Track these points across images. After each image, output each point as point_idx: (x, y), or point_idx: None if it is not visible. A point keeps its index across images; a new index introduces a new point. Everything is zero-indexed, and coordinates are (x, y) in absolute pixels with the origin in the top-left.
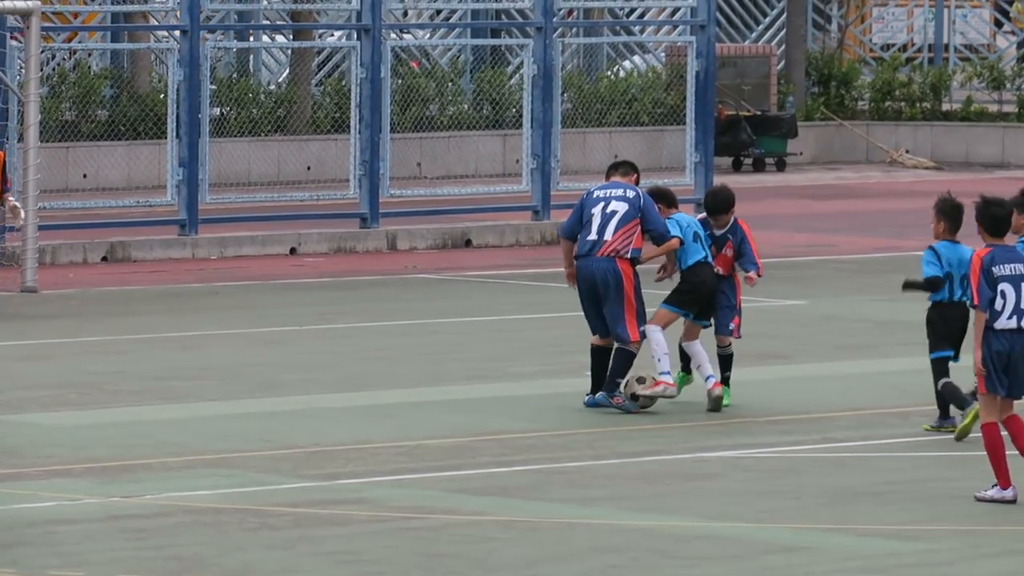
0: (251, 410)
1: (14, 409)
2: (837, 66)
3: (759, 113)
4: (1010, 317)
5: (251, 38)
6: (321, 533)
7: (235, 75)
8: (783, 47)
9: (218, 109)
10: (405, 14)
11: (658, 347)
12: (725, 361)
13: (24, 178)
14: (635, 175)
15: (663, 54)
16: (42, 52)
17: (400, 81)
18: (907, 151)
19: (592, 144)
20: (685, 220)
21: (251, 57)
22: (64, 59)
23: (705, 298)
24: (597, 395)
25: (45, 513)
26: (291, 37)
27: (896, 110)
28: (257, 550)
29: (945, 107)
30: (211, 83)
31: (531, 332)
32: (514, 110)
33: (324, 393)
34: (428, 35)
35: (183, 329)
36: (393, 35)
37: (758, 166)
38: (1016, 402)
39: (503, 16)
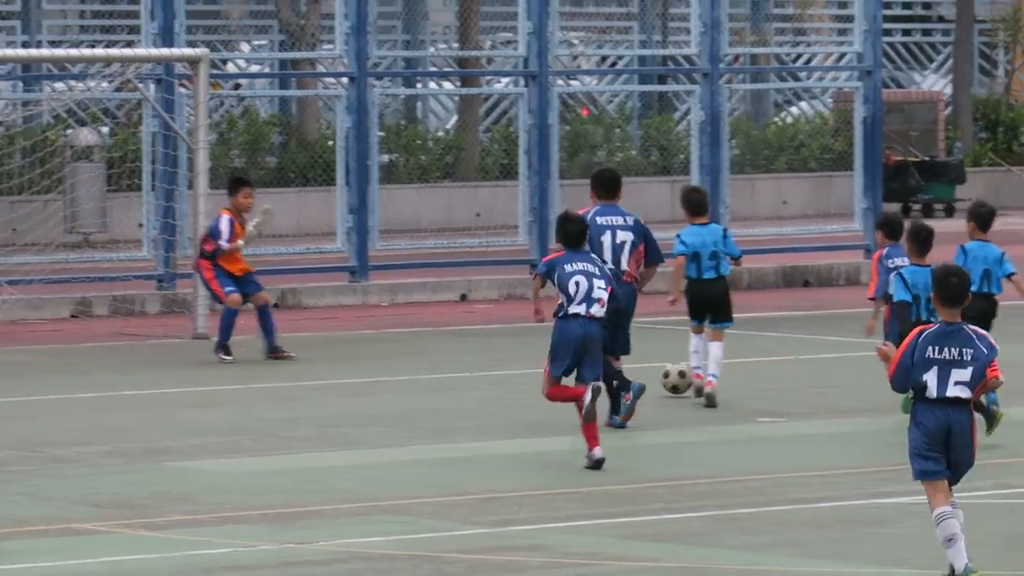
0: (423, 456)
1: (187, 456)
2: (1004, 111)
3: (927, 159)
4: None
5: (419, 85)
6: None
7: (403, 122)
8: (950, 92)
9: (387, 156)
10: (574, 59)
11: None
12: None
13: (194, 225)
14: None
15: (830, 99)
16: (210, 99)
17: (568, 127)
18: None
19: (760, 190)
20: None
21: (419, 104)
22: (233, 106)
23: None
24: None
25: (220, 559)
26: (459, 84)
27: None
28: None
29: None
30: (379, 130)
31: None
32: (682, 156)
33: (496, 439)
34: (595, 81)
35: (355, 376)
36: (560, 81)
37: (927, 212)
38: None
39: (670, 62)
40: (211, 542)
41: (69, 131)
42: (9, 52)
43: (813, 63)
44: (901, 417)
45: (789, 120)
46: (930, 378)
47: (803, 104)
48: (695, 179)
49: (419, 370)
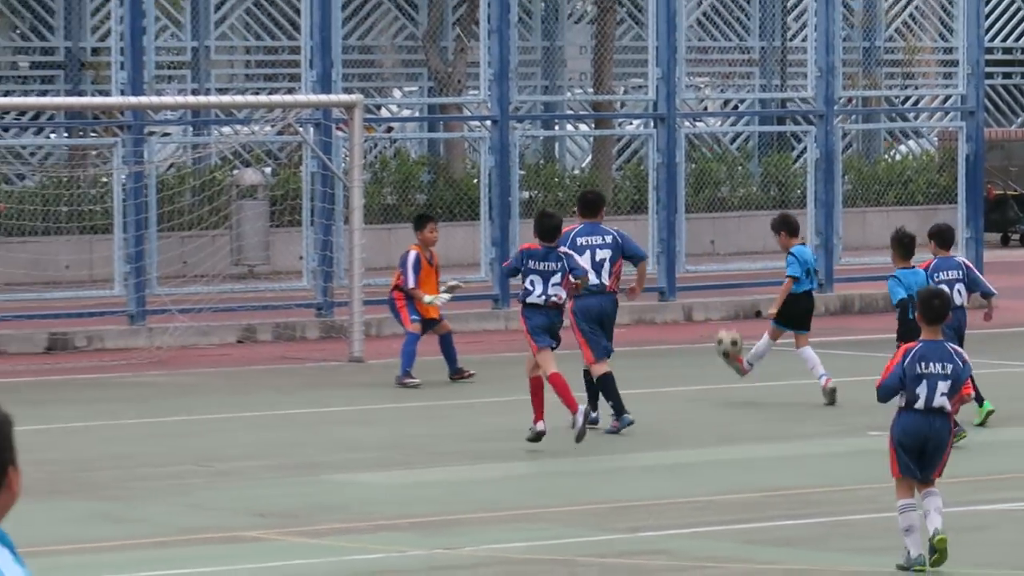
0: (559, 469)
1: (344, 469)
2: None
3: None
4: None
5: (556, 127)
6: None
7: (542, 161)
8: None
9: (526, 192)
10: (699, 102)
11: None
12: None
13: (350, 257)
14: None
15: (936, 138)
16: (365, 141)
17: (693, 165)
18: None
19: (871, 222)
20: (803, 255)
21: (556, 144)
22: (385, 147)
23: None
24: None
25: (373, 564)
26: (593, 126)
27: None
28: None
29: None
30: (520, 168)
31: (816, 395)
32: (799, 191)
33: (625, 452)
34: (719, 122)
35: (499, 395)
36: (687, 123)
37: None
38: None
39: (788, 105)
40: (365, 548)
41: (235, 171)
42: (180, 99)
43: (920, 104)
44: (993, 431)
45: (898, 157)
46: (920, 391)
47: (911, 142)
48: (811, 213)
49: (551, 390)
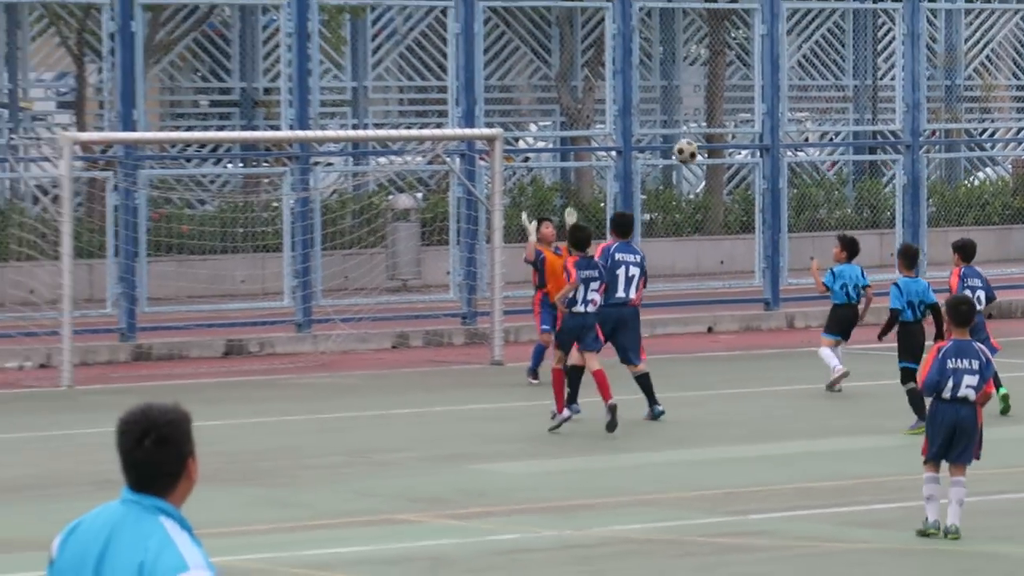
0: (674, 459)
1: (485, 460)
2: None
3: None
4: None
5: (673, 157)
6: (733, 559)
7: (661, 187)
8: None
9: (647, 215)
10: (800, 134)
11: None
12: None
13: (491, 272)
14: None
15: (1010, 166)
16: (504, 170)
17: (795, 190)
18: None
19: (952, 240)
20: (848, 273)
21: (674, 172)
22: (522, 175)
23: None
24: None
25: (510, 544)
26: (706, 155)
27: None
28: (680, 572)
29: None
30: (641, 193)
31: (899, 395)
32: (888, 213)
33: (734, 444)
34: (817, 152)
35: (621, 393)
36: (789, 153)
37: None
38: None
39: (878, 136)
40: (503, 529)
41: (390, 196)
42: (342, 133)
43: (996, 136)
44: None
45: (976, 183)
46: (949, 383)
47: (987, 169)
48: (899, 233)
49: (671, 389)
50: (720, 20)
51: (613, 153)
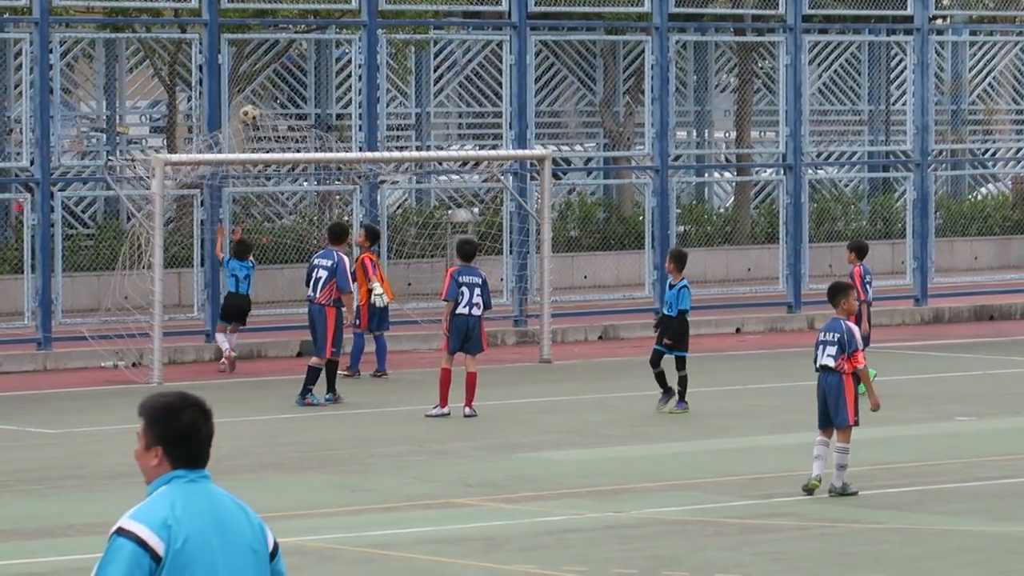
0: (706, 448)
1: (534, 448)
2: None
3: None
4: None
5: (706, 175)
6: (760, 538)
7: (694, 201)
8: None
9: (682, 227)
10: (818, 155)
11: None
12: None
13: (541, 279)
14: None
15: (1010, 182)
16: (553, 187)
17: (815, 204)
18: None
19: (957, 249)
20: None
21: (706, 188)
22: (569, 192)
23: None
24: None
25: (558, 525)
26: (735, 173)
27: None
28: (713, 551)
29: None
30: (676, 207)
31: (914, 388)
32: (900, 225)
33: (761, 434)
34: (835, 170)
35: (657, 389)
36: (810, 171)
37: None
38: None
39: (891, 155)
40: (552, 511)
41: (449, 211)
42: (406, 154)
43: (997, 155)
44: None
45: (979, 197)
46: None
47: (990, 185)
48: (909, 243)
49: (703, 384)
50: (748, 52)
51: (651, 171)
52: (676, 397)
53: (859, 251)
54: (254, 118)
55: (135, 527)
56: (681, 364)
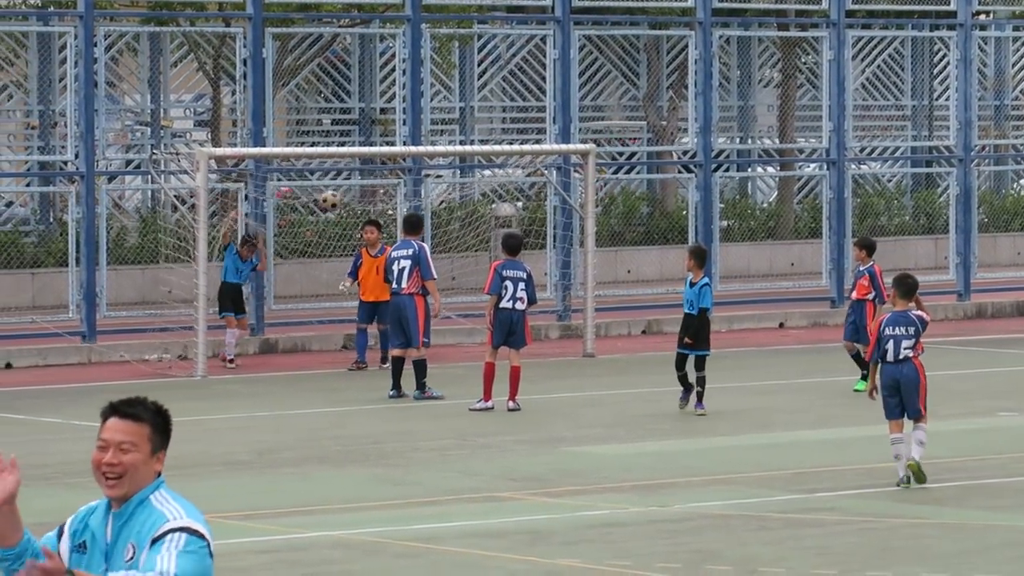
0: (750, 443)
1: (577, 443)
2: None
3: None
4: None
5: (749, 170)
6: (803, 532)
7: (737, 196)
8: None
9: (725, 221)
10: (862, 150)
11: None
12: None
13: (584, 273)
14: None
15: None
16: (596, 181)
17: (858, 200)
18: None
19: (1000, 244)
20: None
21: (749, 183)
22: (613, 186)
23: None
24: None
25: (601, 519)
26: (779, 168)
27: None
28: (756, 545)
29: None
30: (720, 202)
31: (957, 383)
32: (942, 220)
33: (803, 429)
34: (879, 165)
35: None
36: (853, 166)
37: None
38: None
39: (934, 151)
40: (595, 505)
41: (493, 205)
42: (451, 148)
43: None
44: None
45: (1022, 192)
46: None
47: None
48: (952, 238)
49: (744, 379)
50: (792, 47)
51: (694, 166)
52: (695, 399)
53: (870, 249)
54: (333, 205)
55: (203, 530)
56: (701, 364)
